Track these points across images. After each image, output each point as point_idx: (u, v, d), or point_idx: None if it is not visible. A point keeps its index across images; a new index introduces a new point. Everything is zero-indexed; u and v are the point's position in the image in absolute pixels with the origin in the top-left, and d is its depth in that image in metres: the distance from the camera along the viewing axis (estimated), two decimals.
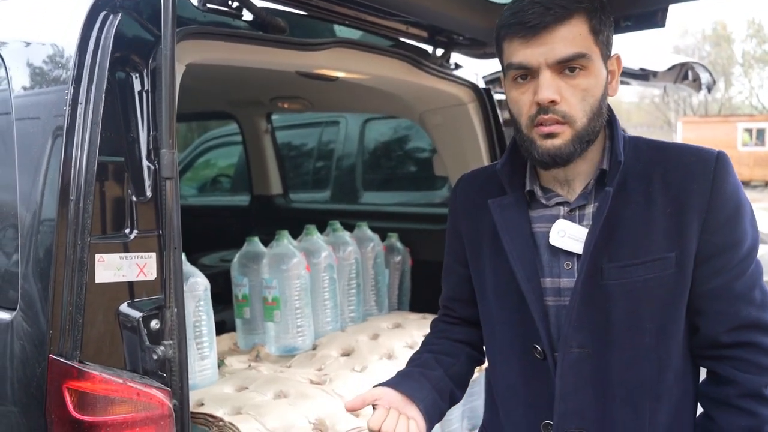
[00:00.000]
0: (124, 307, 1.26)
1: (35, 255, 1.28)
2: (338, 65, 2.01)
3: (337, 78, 2.23)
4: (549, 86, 1.10)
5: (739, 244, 1.15)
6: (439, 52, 2.31)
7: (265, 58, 1.74)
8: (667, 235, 1.14)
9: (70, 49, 1.27)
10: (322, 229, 2.52)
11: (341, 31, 1.95)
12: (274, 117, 3.73)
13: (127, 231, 1.28)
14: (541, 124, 1.12)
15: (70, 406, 1.18)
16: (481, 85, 2.51)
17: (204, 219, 3.84)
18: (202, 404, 1.77)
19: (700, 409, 1.25)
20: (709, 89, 4.65)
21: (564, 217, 1.20)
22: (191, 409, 1.40)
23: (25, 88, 1.37)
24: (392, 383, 1.26)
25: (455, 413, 2.37)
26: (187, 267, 1.89)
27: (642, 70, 3.79)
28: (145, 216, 1.30)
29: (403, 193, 3.51)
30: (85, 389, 1.19)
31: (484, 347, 1.41)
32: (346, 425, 1.81)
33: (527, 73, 1.13)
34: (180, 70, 1.44)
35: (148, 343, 1.25)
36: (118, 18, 1.29)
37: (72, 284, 1.21)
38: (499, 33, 1.17)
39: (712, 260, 1.14)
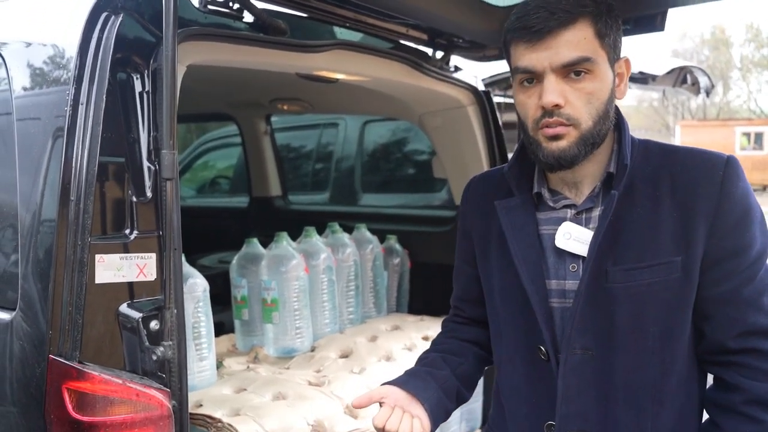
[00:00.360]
0: (123, 308, 1.26)
1: (35, 255, 1.28)
2: (338, 67, 2.02)
3: (336, 80, 2.24)
4: (553, 90, 1.10)
5: (748, 249, 1.14)
6: (439, 54, 2.32)
7: (265, 59, 1.75)
8: (673, 239, 1.14)
9: (72, 50, 1.27)
10: (321, 231, 2.52)
11: (341, 33, 1.95)
12: (273, 119, 3.73)
13: (127, 231, 1.28)
14: (547, 126, 1.13)
15: (70, 407, 1.18)
16: (481, 87, 2.52)
17: (203, 220, 3.84)
18: (201, 405, 1.77)
19: (705, 415, 1.24)
20: (708, 93, 4.66)
21: (570, 220, 1.21)
22: (190, 410, 1.40)
23: (26, 89, 1.37)
24: (398, 382, 1.27)
25: (454, 415, 2.37)
26: (186, 268, 1.89)
27: (641, 73, 3.80)
28: (145, 217, 1.30)
29: (402, 195, 3.52)
30: (85, 390, 1.19)
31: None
32: (345, 427, 1.81)
33: (533, 77, 1.14)
34: (181, 72, 1.44)
35: (147, 343, 1.25)
36: (120, 19, 1.29)
37: (72, 284, 1.21)
38: (505, 37, 1.18)
39: (720, 265, 1.14)
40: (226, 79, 2.65)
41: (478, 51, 2.37)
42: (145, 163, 1.30)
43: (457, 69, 2.43)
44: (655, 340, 1.16)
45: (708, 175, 1.14)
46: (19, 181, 1.33)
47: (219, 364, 2.10)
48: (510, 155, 2.77)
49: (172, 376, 1.25)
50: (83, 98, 1.25)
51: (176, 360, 1.26)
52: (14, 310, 1.31)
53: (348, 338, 2.32)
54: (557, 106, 1.11)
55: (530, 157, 1.22)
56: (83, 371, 1.20)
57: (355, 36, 2.01)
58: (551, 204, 1.23)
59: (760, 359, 1.14)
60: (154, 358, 1.24)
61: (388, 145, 3.69)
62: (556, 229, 1.20)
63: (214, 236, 3.51)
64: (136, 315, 1.26)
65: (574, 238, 1.18)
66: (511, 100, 4.97)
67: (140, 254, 1.29)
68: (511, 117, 3.64)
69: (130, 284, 1.28)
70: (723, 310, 1.15)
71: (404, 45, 2.20)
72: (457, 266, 1.46)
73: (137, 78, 1.31)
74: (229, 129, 4.26)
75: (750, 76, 30.39)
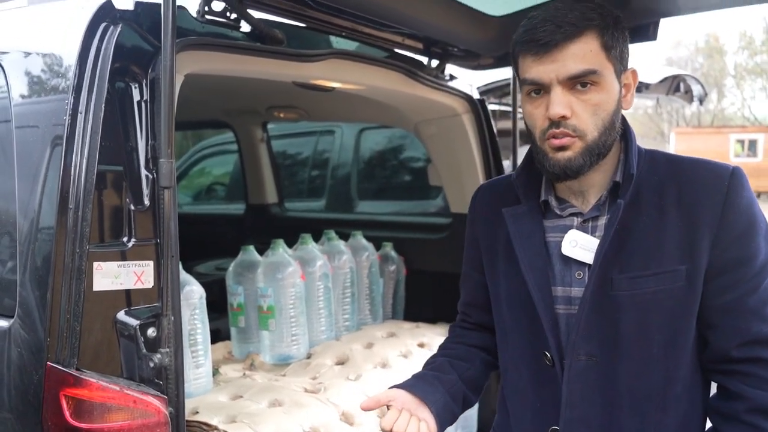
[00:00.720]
0: (121, 315, 1.27)
1: (33, 262, 1.29)
2: (334, 76, 2.03)
3: (333, 88, 2.25)
4: (559, 102, 1.12)
5: (753, 259, 1.15)
6: (434, 63, 2.34)
7: (262, 68, 1.76)
8: (678, 248, 1.15)
9: (71, 59, 1.29)
10: (317, 239, 2.53)
11: (338, 42, 1.97)
12: (270, 126, 3.75)
13: (125, 239, 1.29)
14: (553, 137, 1.15)
15: (67, 414, 1.19)
16: (476, 96, 2.54)
17: (199, 227, 3.84)
18: (197, 412, 1.77)
19: (709, 423, 1.25)
20: (701, 101, 4.70)
21: (577, 228, 1.23)
22: (186, 417, 1.40)
23: (25, 97, 1.38)
24: (406, 385, 1.29)
25: None
26: (183, 275, 1.90)
27: None
28: (143, 225, 1.31)
29: (398, 203, 3.53)
30: (82, 396, 1.19)
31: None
32: None
33: (540, 89, 1.16)
34: (179, 81, 1.46)
35: (144, 350, 1.26)
36: (119, 29, 1.31)
37: (70, 292, 1.22)
38: (513, 49, 1.20)
39: (725, 275, 1.15)
40: (223, 87, 2.66)
41: (473, 60, 2.39)
42: (143, 172, 1.32)
43: (452, 78, 2.46)
44: (659, 347, 1.17)
45: (713, 186, 1.16)
46: (17, 189, 1.34)
47: (215, 371, 2.11)
48: (505, 163, 2.79)
49: (169, 383, 1.26)
50: (82, 107, 1.26)
51: (173, 367, 1.27)
52: (12, 317, 1.31)
53: (344, 345, 2.32)
54: (563, 117, 1.13)
55: (537, 166, 1.24)
56: (81, 378, 1.20)
57: (351, 45, 2.03)
58: (558, 212, 1.25)
59: (763, 368, 1.15)
60: (152, 365, 1.25)
61: (384, 152, 3.71)
62: (563, 237, 1.22)
63: (210, 243, 3.51)
64: (134, 322, 1.27)
65: (580, 245, 1.20)
66: (506, 108, 5.01)
67: (138, 262, 1.30)
68: (506, 125, 3.66)
69: (128, 292, 1.29)
70: (727, 319, 1.16)
71: (400, 54, 2.22)
72: (465, 272, 1.48)
73: (136, 87, 1.32)
74: (225, 136, 4.27)
75: (744, 83, 30.57)
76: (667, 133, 28.06)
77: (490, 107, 2.88)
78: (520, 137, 2.67)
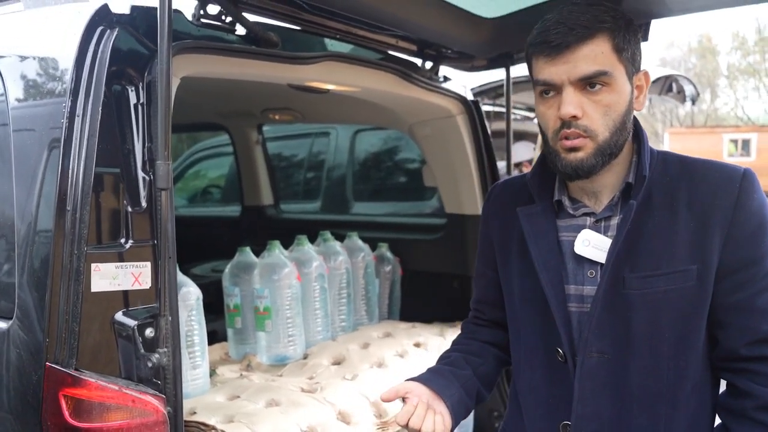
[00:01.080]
0: (119, 316, 1.29)
1: (31, 264, 1.30)
2: (329, 78, 2.05)
3: (327, 90, 2.27)
4: (571, 102, 1.15)
5: (763, 259, 1.17)
6: (428, 65, 2.35)
7: (257, 71, 1.78)
8: (689, 248, 1.17)
9: (68, 63, 1.30)
10: (313, 240, 2.54)
11: (332, 44, 1.99)
12: (265, 128, 3.76)
13: (122, 241, 1.30)
14: (565, 138, 1.17)
15: (66, 413, 1.20)
16: (470, 97, 2.56)
17: (195, 229, 3.85)
18: (195, 413, 1.78)
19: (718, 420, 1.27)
20: (693, 101, 4.73)
21: (589, 227, 1.25)
22: (184, 417, 1.42)
23: (23, 101, 1.39)
24: (423, 379, 1.32)
25: None
26: (180, 277, 1.91)
27: None
28: (140, 226, 1.32)
29: (393, 204, 3.55)
30: (81, 396, 1.20)
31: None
32: None
33: (552, 89, 1.18)
34: (175, 84, 1.47)
35: (142, 350, 1.27)
36: (115, 33, 1.32)
37: (68, 293, 1.23)
38: (527, 50, 1.22)
39: (735, 275, 1.17)
40: (218, 90, 2.68)
41: (466, 61, 2.41)
42: (140, 174, 1.33)
43: (446, 79, 2.47)
44: (669, 345, 1.19)
45: (724, 188, 1.18)
46: (15, 192, 1.35)
47: (212, 372, 2.12)
48: (499, 164, 2.81)
49: (167, 382, 1.27)
50: (79, 110, 1.27)
51: (171, 366, 1.28)
52: (11, 318, 1.32)
53: (340, 345, 2.34)
54: (575, 117, 1.15)
55: (550, 166, 1.26)
56: (80, 378, 1.21)
57: (345, 47, 2.04)
58: (571, 211, 1.28)
59: None
60: (150, 364, 1.26)
61: (379, 154, 3.72)
62: (576, 236, 1.25)
63: (206, 245, 3.52)
64: (132, 323, 1.28)
65: (593, 245, 1.23)
66: (500, 109, 5.04)
67: (135, 263, 1.31)
68: (499, 126, 3.68)
69: (126, 292, 1.30)
70: (737, 318, 1.18)
71: (394, 56, 2.23)
72: (478, 270, 1.51)
73: (132, 90, 1.34)
74: (220, 138, 4.28)
75: (737, 83, 30.72)
76: (660, 133, 28.15)
77: (484, 108, 2.90)
78: (515, 137, 2.69)
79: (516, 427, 1.39)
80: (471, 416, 2.52)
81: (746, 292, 1.18)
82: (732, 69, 30.86)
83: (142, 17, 1.38)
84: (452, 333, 2.55)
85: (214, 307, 2.36)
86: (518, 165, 4.92)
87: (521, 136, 5.31)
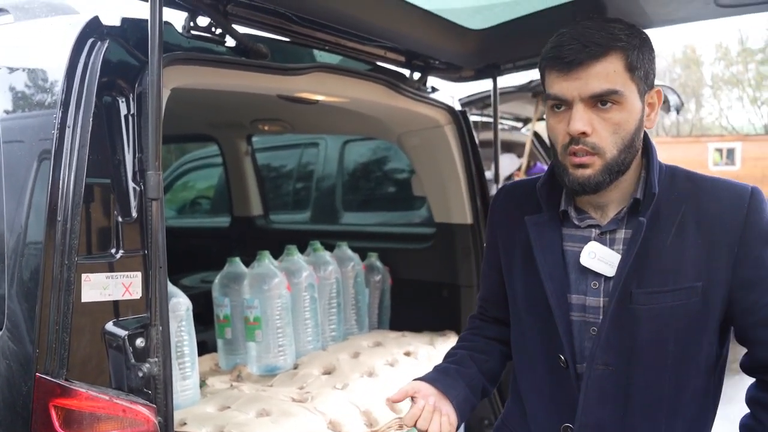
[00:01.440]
0: (109, 326, 1.29)
1: (21, 275, 1.30)
2: (318, 89, 2.07)
3: (317, 101, 2.29)
4: (580, 119, 1.16)
5: None
6: (416, 75, 2.38)
7: (247, 82, 1.79)
8: (695, 265, 1.20)
9: (59, 75, 1.31)
10: (302, 250, 2.55)
11: (321, 56, 2.00)
12: (254, 139, 3.77)
13: (113, 251, 1.31)
14: (574, 154, 1.19)
15: (56, 424, 1.20)
16: (458, 107, 2.58)
17: (184, 240, 3.84)
18: (185, 424, 1.78)
19: (718, 421, 1.31)
20: (678, 111, 4.79)
21: (594, 239, 1.27)
22: (174, 427, 1.41)
23: (13, 112, 1.40)
24: (429, 378, 1.37)
25: None
26: (170, 287, 1.90)
27: None
28: (130, 236, 1.32)
29: (383, 214, 3.56)
30: (71, 407, 1.20)
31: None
32: None
33: (563, 104, 1.19)
34: (165, 95, 1.48)
35: (133, 360, 1.27)
36: (106, 44, 1.33)
37: (59, 303, 1.23)
38: (541, 64, 1.24)
39: (754, 293, 1.20)
40: (208, 101, 2.69)
41: (454, 72, 2.44)
42: (131, 184, 1.33)
43: (434, 90, 2.50)
44: (672, 358, 1.22)
45: (733, 206, 1.20)
46: (5, 202, 1.35)
47: (202, 383, 2.11)
48: (487, 173, 2.84)
49: (157, 392, 1.27)
50: (70, 121, 1.28)
51: (162, 376, 1.28)
52: (0, 329, 1.32)
53: (330, 355, 2.34)
54: (583, 134, 1.17)
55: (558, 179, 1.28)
56: (70, 388, 1.21)
57: (334, 59, 2.06)
58: (576, 222, 1.29)
59: None
60: (140, 374, 1.26)
61: (368, 164, 3.74)
62: (580, 247, 1.27)
63: (195, 256, 3.51)
64: (122, 333, 1.28)
65: (598, 257, 1.24)
66: (487, 119, 5.07)
67: (126, 273, 1.31)
68: (487, 135, 3.71)
69: (116, 303, 1.30)
70: (762, 333, 1.22)
71: (382, 67, 2.26)
72: (484, 270, 1.54)
73: (123, 101, 1.35)
74: (208, 150, 4.29)
75: (721, 93, 31.12)
76: None
77: (472, 118, 2.92)
78: (503, 148, 2.72)
79: (518, 423, 1.43)
80: (462, 427, 2.52)
81: (766, 309, 1.20)
82: (716, 79, 31.27)
83: (132, 29, 1.39)
84: (442, 341, 2.56)
85: (204, 318, 2.36)
86: (509, 178, 4.96)
87: (508, 146, 5.35)
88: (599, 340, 1.22)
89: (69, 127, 1.28)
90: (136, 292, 1.32)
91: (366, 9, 1.81)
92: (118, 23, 1.39)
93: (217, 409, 1.92)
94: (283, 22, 1.79)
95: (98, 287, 1.28)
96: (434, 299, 2.76)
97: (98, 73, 1.31)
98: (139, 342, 1.29)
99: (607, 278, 1.24)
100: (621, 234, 1.25)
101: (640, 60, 1.18)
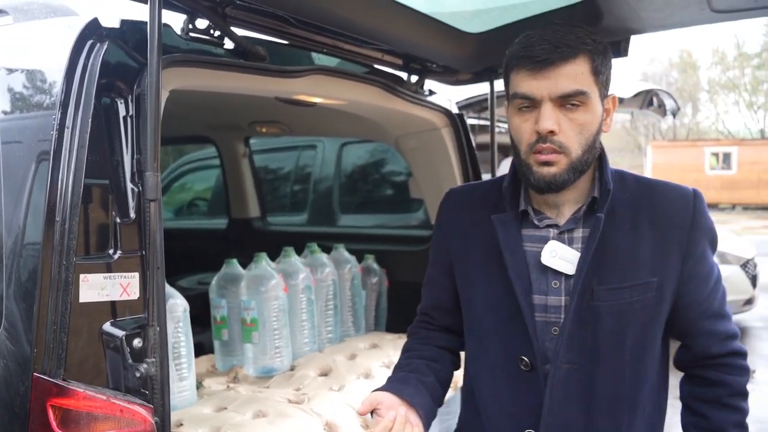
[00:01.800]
0: (107, 326, 1.29)
1: (19, 275, 1.30)
2: (316, 91, 2.07)
3: (314, 103, 2.30)
4: (549, 117, 1.18)
5: (713, 270, 1.31)
6: (414, 78, 2.39)
7: (245, 84, 1.80)
8: (650, 262, 1.25)
9: (58, 76, 1.31)
10: (300, 253, 2.56)
11: (319, 58, 2.01)
12: (252, 141, 3.78)
13: (111, 251, 1.31)
14: (539, 152, 1.21)
15: (54, 424, 1.20)
16: (455, 110, 2.60)
17: (182, 242, 3.85)
18: (181, 425, 1.78)
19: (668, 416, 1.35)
20: (674, 115, 4.82)
21: (554, 239, 1.28)
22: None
23: (12, 113, 1.40)
24: (393, 389, 1.33)
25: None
26: (167, 288, 1.91)
27: None
28: (128, 237, 1.33)
29: (380, 216, 3.57)
30: (69, 406, 1.20)
31: (461, 353, 1.49)
32: None
33: (531, 104, 1.21)
34: (164, 96, 1.48)
35: (130, 361, 1.28)
36: (105, 46, 1.34)
37: (56, 303, 1.24)
38: (508, 63, 1.25)
39: (697, 288, 1.28)
40: (206, 103, 2.69)
41: (451, 75, 2.45)
42: (129, 185, 1.34)
43: (431, 93, 2.51)
44: (631, 353, 1.25)
45: (682, 207, 1.27)
46: (3, 202, 1.36)
47: (198, 385, 2.11)
48: (484, 176, 2.85)
49: (155, 392, 1.28)
50: (69, 122, 1.28)
51: (159, 377, 1.29)
52: None
53: (327, 357, 2.35)
54: (552, 132, 1.19)
55: (520, 178, 1.30)
56: (67, 388, 1.21)
57: (332, 61, 2.07)
58: (536, 222, 1.31)
59: (737, 358, 1.32)
60: (138, 374, 1.27)
61: (366, 166, 3.75)
62: (539, 246, 1.28)
63: (192, 258, 3.52)
64: (120, 333, 1.29)
65: (559, 256, 1.26)
66: (484, 122, 5.08)
67: (124, 274, 1.32)
68: (484, 138, 3.73)
69: (114, 303, 1.30)
70: (705, 324, 1.30)
71: (380, 70, 2.27)
72: (432, 276, 1.51)
73: (121, 102, 1.35)
74: (206, 152, 4.29)
75: (717, 98, 31.24)
76: (644, 146, 28.49)
77: (469, 121, 2.93)
78: (499, 150, 2.73)
79: (475, 430, 1.40)
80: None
81: (706, 302, 1.29)
82: (712, 84, 31.40)
83: (131, 31, 1.40)
84: None
85: (201, 320, 2.36)
86: None
87: (505, 150, 5.37)
88: (563, 339, 1.24)
89: (68, 128, 1.28)
90: (133, 293, 1.32)
91: (363, 12, 1.82)
92: (117, 25, 1.39)
93: (213, 411, 1.93)
94: (281, 24, 1.80)
95: (96, 287, 1.28)
96: None
97: (97, 75, 1.31)
98: (137, 342, 1.29)
99: (567, 277, 1.26)
100: (579, 233, 1.28)
101: (603, 65, 1.23)
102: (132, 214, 1.33)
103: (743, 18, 1.81)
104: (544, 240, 1.28)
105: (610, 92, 1.28)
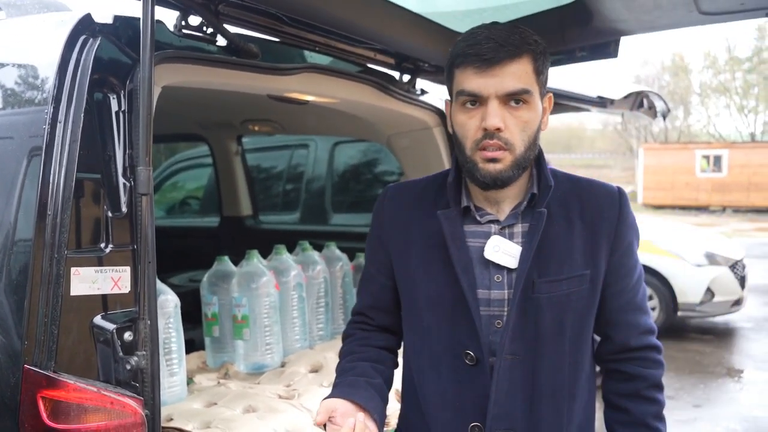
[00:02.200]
0: (98, 319, 1.30)
1: (11, 267, 1.31)
2: (308, 89, 2.09)
3: (307, 102, 2.31)
4: (496, 114, 1.21)
5: (637, 263, 1.37)
6: (406, 78, 2.40)
7: (238, 81, 1.81)
8: (583, 255, 1.30)
9: (50, 71, 1.32)
10: (291, 251, 2.57)
11: (312, 56, 2.03)
12: (244, 139, 3.78)
13: (102, 245, 1.32)
14: (485, 149, 1.23)
15: (44, 415, 1.21)
16: None
17: (174, 240, 3.85)
18: (172, 419, 1.79)
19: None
20: (664, 117, 4.85)
21: (496, 234, 1.31)
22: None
23: (4, 108, 1.41)
24: (346, 394, 1.30)
25: None
26: (158, 284, 1.91)
27: (600, 97, 3.95)
28: (120, 231, 1.34)
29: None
30: (59, 398, 1.21)
31: (400, 352, 1.48)
32: None
33: (476, 101, 1.23)
34: (156, 92, 1.49)
35: (121, 353, 1.29)
36: (98, 42, 1.35)
37: (48, 296, 1.24)
38: (453, 61, 1.27)
39: (621, 280, 1.34)
40: (198, 100, 2.70)
41: (443, 75, 2.46)
42: (121, 180, 1.35)
43: (423, 92, 2.53)
44: (570, 343, 1.31)
45: (609, 202, 1.33)
46: None
47: (189, 381, 2.12)
48: None
49: (145, 385, 1.29)
50: (61, 117, 1.29)
51: (149, 369, 1.30)
52: None
53: (318, 353, 2.36)
54: (498, 129, 1.21)
55: (464, 174, 1.32)
56: (57, 380, 1.22)
57: (324, 59, 2.08)
58: (477, 218, 1.32)
59: (653, 352, 1.37)
60: (128, 367, 1.27)
61: (358, 165, 3.77)
62: (482, 242, 1.30)
63: (184, 256, 3.52)
64: (111, 326, 1.30)
65: (502, 251, 1.29)
66: None
67: (115, 267, 1.33)
68: None
69: (105, 296, 1.31)
70: (626, 316, 1.36)
71: (372, 69, 2.28)
72: (369, 275, 1.48)
73: (114, 98, 1.36)
74: (197, 150, 4.30)
75: (708, 101, 31.45)
76: (635, 148, 28.64)
77: None
78: None
79: (417, 429, 1.39)
80: None
81: (630, 294, 1.35)
82: (704, 87, 31.61)
83: (124, 27, 1.41)
84: None
85: (192, 317, 2.37)
86: None
87: None
88: (507, 331, 1.26)
89: (60, 123, 1.29)
90: (124, 287, 1.33)
91: (356, 11, 1.84)
92: (110, 21, 1.40)
93: (203, 406, 1.94)
94: (274, 22, 1.81)
95: (87, 281, 1.29)
96: None
97: (90, 70, 1.32)
98: (127, 335, 1.30)
99: (509, 271, 1.28)
100: (519, 228, 1.31)
101: (543, 65, 1.26)
102: (123, 209, 1.34)
103: (731, 20, 1.84)
104: (486, 235, 1.31)
105: (546, 90, 1.32)
